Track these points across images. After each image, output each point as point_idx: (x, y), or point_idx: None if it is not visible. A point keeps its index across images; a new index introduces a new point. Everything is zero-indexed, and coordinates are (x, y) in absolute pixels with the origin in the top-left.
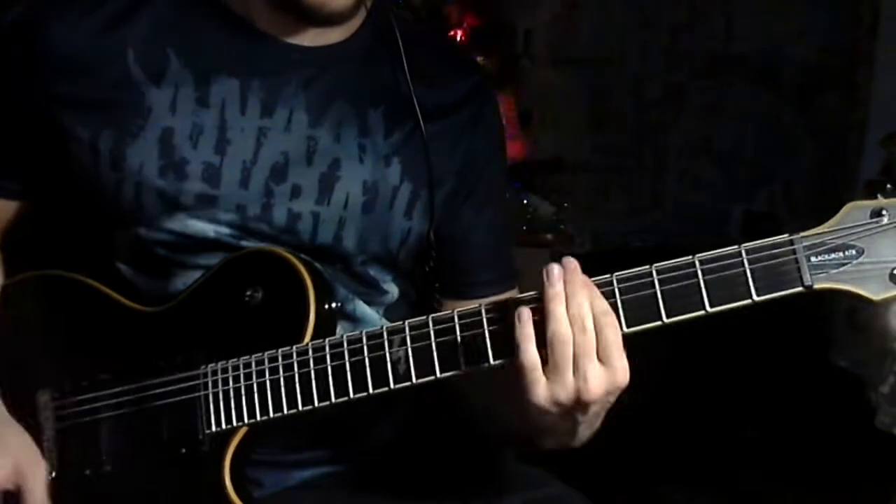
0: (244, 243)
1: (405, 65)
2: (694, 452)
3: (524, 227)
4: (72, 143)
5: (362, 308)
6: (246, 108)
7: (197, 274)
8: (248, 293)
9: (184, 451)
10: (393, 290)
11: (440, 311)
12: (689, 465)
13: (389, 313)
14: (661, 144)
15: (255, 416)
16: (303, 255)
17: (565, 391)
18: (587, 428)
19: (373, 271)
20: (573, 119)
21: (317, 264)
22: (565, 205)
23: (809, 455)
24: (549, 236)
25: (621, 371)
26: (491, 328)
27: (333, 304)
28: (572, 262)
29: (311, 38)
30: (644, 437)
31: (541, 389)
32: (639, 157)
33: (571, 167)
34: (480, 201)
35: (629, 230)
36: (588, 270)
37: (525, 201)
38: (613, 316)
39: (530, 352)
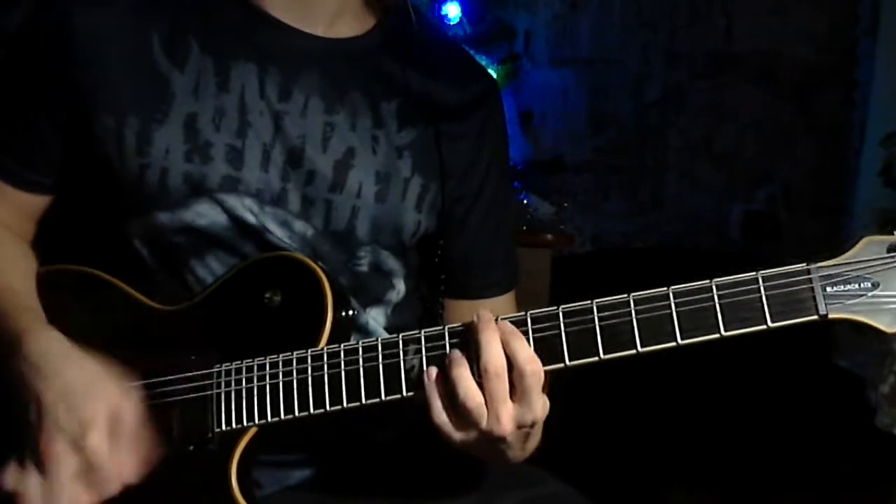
0: (266, 234)
1: (419, 64)
2: (694, 452)
3: (524, 227)
4: (97, 130)
5: (374, 323)
6: (264, 92)
7: (213, 263)
8: (267, 296)
9: (192, 448)
10: (400, 287)
11: (442, 312)
12: (689, 464)
13: (395, 315)
14: (661, 144)
15: (265, 417)
16: (321, 264)
17: (475, 434)
18: (518, 450)
19: (386, 265)
20: (573, 119)
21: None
22: (565, 205)
23: (809, 455)
24: (549, 236)
25: (538, 409)
26: None
27: (350, 312)
28: (485, 314)
29: (324, 28)
30: (644, 437)
31: (455, 434)
32: (639, 157)
33: (571, 167)
34: (487, 204)
35: (629, 230)
36: (588, 270)
37: (525, 201)
38: (538, 362)
39: (438, 412)
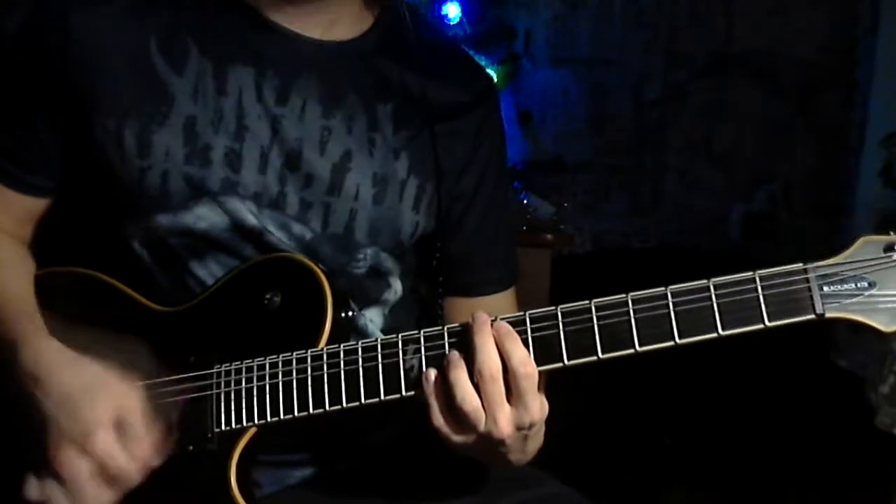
0: (266, 237)
1: (416, 64)
2: (694, 452)
3: (524, 227)
4: (97, 132)
5: (371, 325)
6: (262, 96)
7: (213, 265)
8: (267, 297)
9: (192, 448)
10: (397, 287)
11: (441, 311)
12: (689, 464)
13: (393, 314)
14: (661, 144)
15: (264, 417)
16: (321, 265)
17: (473, 437)
18: (519, 452)
19: (384, 267)
20: (573, 119)
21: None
22: (565, 205)
23: (809, 455)
24: (549, 236)
25: (535, 411)
26: None
27: (350, 313)
28: (481, 316)
29: (321, 31)
30: (644, 437)
31: (454, 437)
32: (639, 157)
33: (571, 167)
34: (485, 202)
35: (629, 230)
36: (588, 270)
37: (525, 201)
38: (532, 364)
39: (437, 415)
